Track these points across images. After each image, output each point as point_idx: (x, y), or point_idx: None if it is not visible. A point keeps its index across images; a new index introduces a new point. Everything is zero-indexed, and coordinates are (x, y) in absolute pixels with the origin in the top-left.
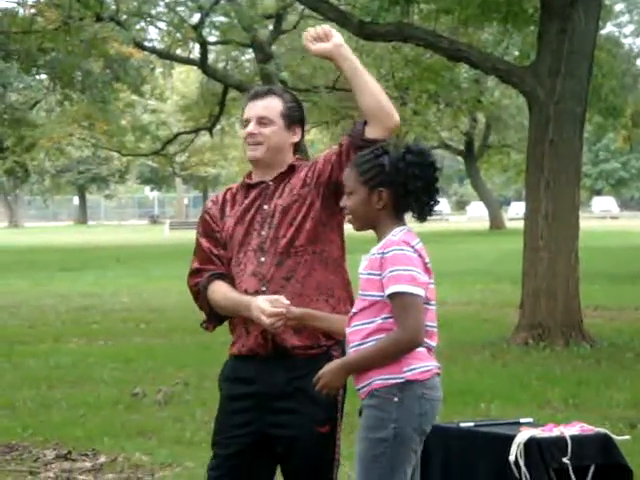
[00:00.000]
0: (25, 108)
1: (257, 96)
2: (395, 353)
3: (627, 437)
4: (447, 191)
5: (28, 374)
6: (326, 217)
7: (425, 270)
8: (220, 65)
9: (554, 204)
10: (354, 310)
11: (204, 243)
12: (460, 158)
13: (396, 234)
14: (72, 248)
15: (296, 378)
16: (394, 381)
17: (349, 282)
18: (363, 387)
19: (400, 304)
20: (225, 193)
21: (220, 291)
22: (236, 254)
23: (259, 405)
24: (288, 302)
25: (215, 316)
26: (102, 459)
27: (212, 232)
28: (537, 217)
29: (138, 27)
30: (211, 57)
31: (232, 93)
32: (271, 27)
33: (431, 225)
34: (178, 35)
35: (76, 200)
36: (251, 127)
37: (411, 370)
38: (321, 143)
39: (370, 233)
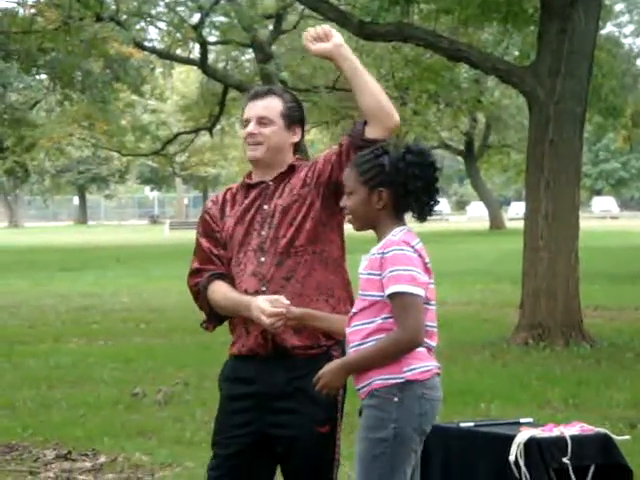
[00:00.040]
0: (25, 108)
1: (257, 96)
2: (395, 353)
3: (627, 437)
4: (447, 191)
5: (28, 374)
6: (326, 217)
7: (425, 270)
8: (220, 65)
9: (554, 204)
10: (354, 310)
11: (204, 243)
12: (460, 158)
13: (396, 234)
14: (72, 248)
15: (296, 378)
16: (394, 381)
17: (349, 282)
18: (363, 387)
19: (400, 304)
20: (225, 193)
21: (220, 291)
22: (236, 254)
23: (259, 405)
24: (288, 302)
25: (215, 316)
26: (102, 459)
27: (212, 232)
28: (537, 217)
29: (138, 27)
30: (211, 57)
31: (232, 93)
32: (271, 27)
33: (431, 225)
34: (178, 35)
35: (76, 200)
36: (251, 127)
37: (411, 370)
38: (321, 143)
39: (370, 233)
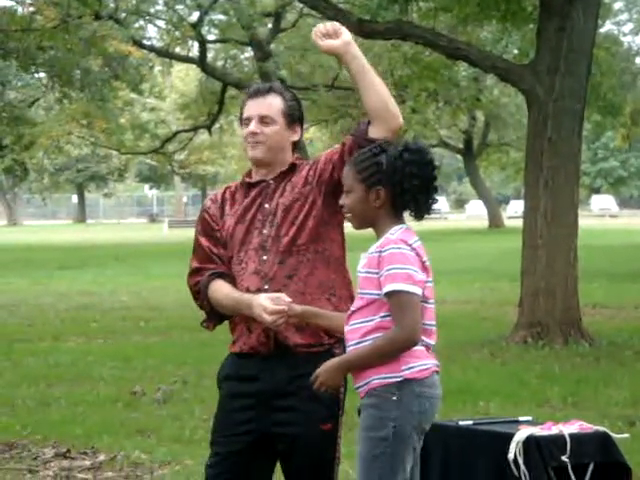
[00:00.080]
0: (24, 106)
1: (258, 94)
2: (392, 352)
3: (626, 435)
4: (446, 189)
5: (27, 372)
6: (328, 216)
7: (423, 268)
8: (219, 63)
9: (553, 202)
10: (353, 308)
11: (204, 242)
12: (459, 156)
13: (394, 232)
14: (71, 246)
15: (298, 376)
16: (392, 380)
17: (350, 281)
18: (361, 386)
19: (397, 302)
20: (224, 192)
21: (221, 290)
22: (237, 253)
23: (260, 403)
24: (290, 300)
25: (215, 315)
26: (101, 457)
27: (212, 231)
28: (536, 215)
29: (137, 25)
30: (210, 55)
31: (231, 91)
32: (270, 25)
33: (430, 223)
34: (177, 33)
35: (75, 198)
36: (253, 126)
37: (409, 369)
38: (320, 141)
39: (370, 231)
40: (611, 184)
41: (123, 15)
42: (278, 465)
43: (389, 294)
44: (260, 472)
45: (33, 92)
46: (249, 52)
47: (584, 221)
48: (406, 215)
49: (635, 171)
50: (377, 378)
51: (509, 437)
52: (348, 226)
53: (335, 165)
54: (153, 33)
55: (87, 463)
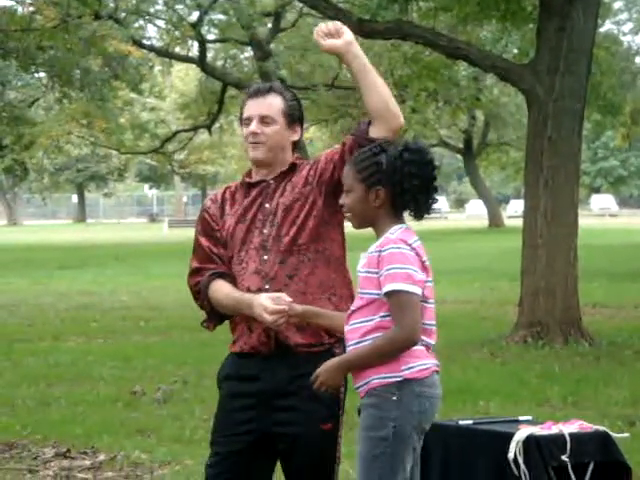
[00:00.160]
0: (24, 106)
1: (258, 94)
2: (391, 351)
3: (626, 435)
4: (446, 189)
5: (27, 372)
6: (328, 215)
7: (422, 268)
8: (219, 63)
9: (553, 202)
10: (353, 308)
11: (204, 242)
12: (459, 156)
13: (394, 232)
14: (71, 246)
15: (299, 376)
16: (392, 380)
17: (350, 280)
18: (361, 386)
19: (396, 302)
20: (224, 192)
21: (221, 290)
22: (237, 252)
23: (261, 403)
24: (290, 299)
25: (216, 315)
26: (101, 457)
27: (212, 231)
28: (536, 215)
29: (137, 25)
30: (210, 55)
31: (231, 91)
32: (270, 25)
33: (430, 223)
34: (177, 33)
35: (75, 198)
36: (254, 126)
37: (409, 368)
38: (320, 141)
39: (369, 231)
40: (611, 183)
41: (123, 15)
42: (278, 465)
43: (389, 294)
44: (260, 472)
45: (33, 92)
46: (249, 52)
47: (584, 220)
48: (406, 215)
49: (635, 170)
50: (377, 378)
51: (509, 437)
52: (348, 225)
53: (336, 165)
54: (153, 33)
55: (87, 463)
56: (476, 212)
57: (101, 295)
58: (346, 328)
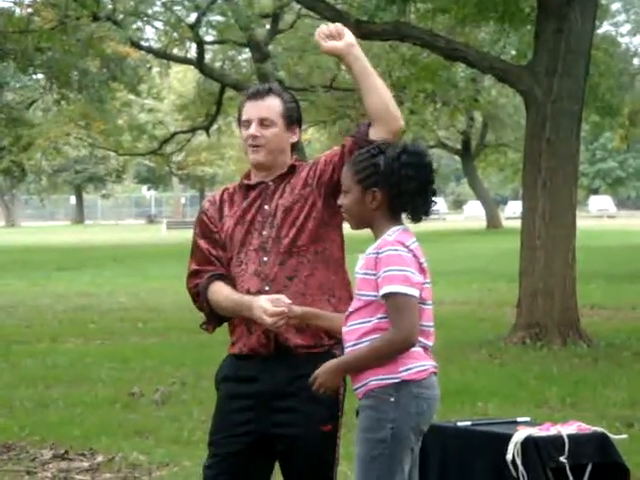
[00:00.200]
0: (22, 107)
1: (257, 96)
2: (389, 353)
3: (624, 436)
4: (444, 190)
5: (25, 374)
6: (328, 217)
7: (420, 270)
8: (217, 64)
9: (551, 203)
10: (350, 309)
11: (202, 244)
12: (457, 157)
13: (391, 234)
14: (69, 248)
15: (298, 377)
16: (390, 381)
17: (349, 282)
18: (359, 387)
19: (394, 304)
20: (222, 193)
21: (221, 292)
22: (236, 254)
23: (260, 404)
24: (290, 301)
25: (215, 317)
26: (99, 459)
27: (210, 233)
28: (534, 216)
29: (135, 26)
30: (208, 56)
31: (229, 92)
32: (268, 26)
33: (428, 224)
34: (175, 34)
35: (73, 199)
36: (253, 129)
37: (407, 370)
38: (318, 142)
39: (367, 232)
40: (609, 185)
41: (121, 16)
42: (278, 466)
43: (386, 296)
44: (258, 473)
45: (31, 93)
46: (247, 53)
47: (582, 222)
48: (404, 216)
49: (633, 172)
50: (375, 379)
51: (507, 438)
52: (346, 227)
53: (335, 166)
54: (151, 34)
55: (85, 464)
56: (474, 213)
57: (99, 296)
58: (344, 329)
